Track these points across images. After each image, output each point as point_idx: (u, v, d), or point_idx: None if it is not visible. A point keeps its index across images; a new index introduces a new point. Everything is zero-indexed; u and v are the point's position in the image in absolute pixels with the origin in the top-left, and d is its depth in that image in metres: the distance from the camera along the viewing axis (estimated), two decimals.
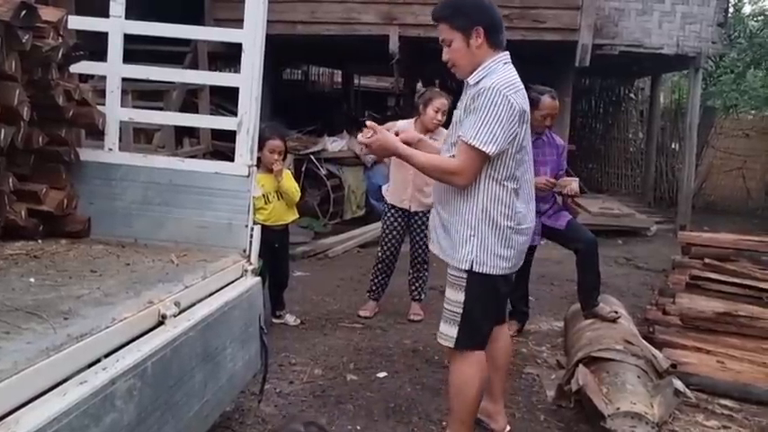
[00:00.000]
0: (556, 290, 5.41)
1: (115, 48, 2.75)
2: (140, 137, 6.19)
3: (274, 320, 4.17)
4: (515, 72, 2.36)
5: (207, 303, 2.22)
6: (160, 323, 1.92)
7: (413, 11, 6.96)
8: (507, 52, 2.40)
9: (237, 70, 2.73)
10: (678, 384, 2.90)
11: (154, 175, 2.71)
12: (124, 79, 2.85)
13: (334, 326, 4.25)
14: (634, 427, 2.62)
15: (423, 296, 4.50)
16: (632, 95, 12.09)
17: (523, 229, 2.44)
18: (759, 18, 13.08)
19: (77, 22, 2.70)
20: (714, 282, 4.24)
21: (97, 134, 2.82)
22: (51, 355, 1.49)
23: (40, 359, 1.45)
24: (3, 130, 2.21)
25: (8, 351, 1.45)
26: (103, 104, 2.78)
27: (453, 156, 2.37)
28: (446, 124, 3.28)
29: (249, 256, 2.65)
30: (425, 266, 4.42)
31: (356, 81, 14.91)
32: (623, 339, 3.29)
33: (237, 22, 2.70)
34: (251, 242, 2.66)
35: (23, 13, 2.16)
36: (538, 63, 7.19)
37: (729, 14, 9.25)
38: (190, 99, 6.96)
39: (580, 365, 3.03)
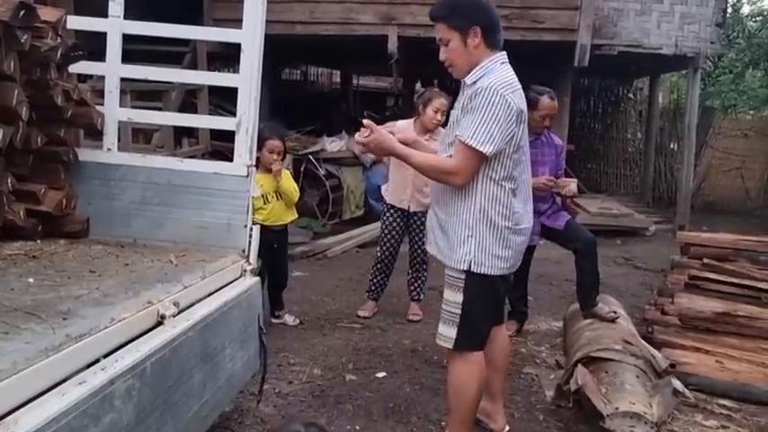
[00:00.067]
0: (555, 290, 5.41)
1: (114, 48, 2.75)
2: (139, 137, 6.19)
3: (273, 320, 4.17)
4: (513, 72, 2.36)
5: (206, 303, 2.22)
6: (159, 323, 1.92)
7: (411, 11, 6.96)
8: (504, 52, 2.40)
9: (236, 70, 2.73)
10: (677, 384, 2.90)
11: (153, 176, 2.71)
12: (123, 79, 2.85)
13: (333, 326, 4.25)
14: (633, 427, 2.62)
15: (422, 296, 4.50)
16: (631, 95, 12.10)
17: (521, 229, 2.44)
18: (757, 18, 13.10)
19: (76, 22, 2.70)
20: (713, 282, 4.24)
21: (96, 134, 2.82)
22: (50, 355, 1.48)
23: (39, 359, 1.45)
24: (1, 131, 2.21)
25: (7, 351, 1.44)
26: (102, 104, 2.78)
27: (450, 156, 2.37)
28: (445, 124, 3.29)
29: (248, 257, 2.64)
30: (424, 267, 4.42)
31: (355, 81, 14.91)
32: (622, 339, 3.29)
33: (236, 23, 2.70)
34: (250, 242, 2.66)
35: (22, 13, 2.16)
36: (537, 63, 7.19)
37: (728, 15, 9.28)
38: (189, 99, 6.95)
39: (579, 365, 3.04)
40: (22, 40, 2.19)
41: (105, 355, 1.67)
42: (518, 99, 2.30)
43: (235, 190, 2.66)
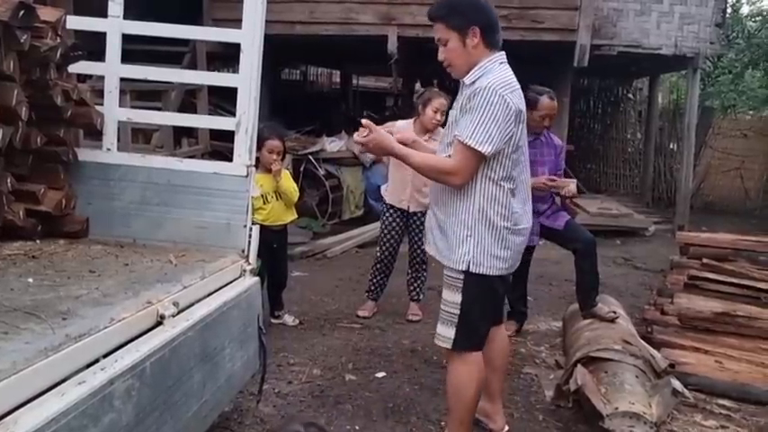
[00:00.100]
0: (554, 290, 5.42)
1: (113, 48, 2.75)
2: (138, 137, 6.18)
3: (273, 321, 4.17)
4: (511, 72, 2.36)
5: (205, 303, 2.22)
6: (159, 323, 1.92)
7: (411, 11, 6.97)
8: (503, 52, 2.40)
9: (236, 70, 2.73)
10: (676, 384, 2.91)
11: (152, 176, 2.71)
12: (122, 79, 2.85)
13: (333, 326, 4.25)
14: (632, 427, 2.62)
15: (421, 296, 4.50)
16: (630, 96, 12.11)
17: (520, 229, 2.44)
18: (757, 18, 13.11)
19: (75, 22, 2.70)
20: (712, 282, 4.24)
21: (95, 134, 2.82)
22: (50, 355, 1.49)
23: (39, 359, 1.45)
24: (1, 131, 2.21)
25: (6, 351, 1.44)
26: (102, 104, 2.78)
27: (449, 156, 2.37)
28: (444, 124, 3.29)
29: (248, 257, 2.65)
30: (424, 267, 4.42)
31: (355, 81, 14.92)
32: (622, 339, 3.29)
33: (236, 22, 2.70)
34: (249, 242, 2.66)
35: (22, 13, 2.16)
36: (536, 63, 7.19)
37: (727, 15, 9.28)
38: (188, 99, 6.95)
39: (578, 365, 3.04)
40: (22, 40, 2.19)
41: (105, 355, 1.67)
42: (517, 99, 2.30)
43: (234, 190, 2.66)
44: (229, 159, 2.75)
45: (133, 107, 4.78)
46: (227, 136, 2.96)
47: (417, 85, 11.52)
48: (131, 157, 2.84)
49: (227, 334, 2.32)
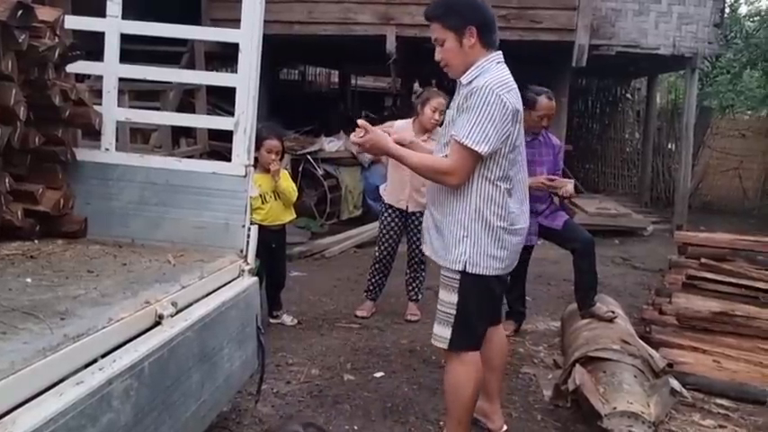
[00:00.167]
0: (553, 290, 5.42)
1: (112, 47, 2.75)
2: (137, 137, 6.18)
3: (271, 320, 4.17)
4: (508, 71, 2.36)
5: (204, 303, 2.22)
6: (157, 323, 1.92)
7: (409, 11, 6.97)
8: (500, 52, 2.39)
9: (234, 70, 2.73)
10: (674, 384, 2.91)
11: (151, 176, 2.71)
12: (121, 79, 2.85)
13: (332, 326, 4.25)
14: (631, 427, 2.62)
15: (420, 296, 4.50)
16: (629, 96, 12.12)
17: (517, 229, 2.44)
18: (755, 18, 13.14)
19: (74, 22, 2.70)
20: (710, 281, 4.25)
21: (94, 134, 2.82)
22: (48, 355, 1.48)
23: (37, 359, 1.45)
24: None
25: (5, 351, 1.44)
26: (100, 104, 2.78)
27: (446, 156, 2.37)
28: (442, 124, 3.29)
29: (246, 257, 2.64)
30: (422, 267, 4.42)
31: (353, 81, 14.92)
32: (620, 339, 3.30)
33: (234, 22, 2.70)
34: (248, 242, 2.66)
35: (20, 12, 2.16)
36: (535, 63, 7.20)
37: (726, 15, 9.28)
38: (187, 99, 6.95)
39: (577, 365, 3.04)
40: (20, 40, 2.19)
41: (103, 355, 1.67)
42: (513, 99, 2.29)
43: (233, 190, 2.66)
44: (228, 159, 2.75)
45: (131, 107, 4.77)
46: (226, 136, 2.96)
47: (416, 85, 11.53)
48: (130, 156, 2.84)
49: (226, 334, 2.32)
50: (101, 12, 2.74)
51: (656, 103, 11.05)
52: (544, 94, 3.87)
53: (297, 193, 4.15)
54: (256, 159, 3.31)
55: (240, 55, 2.66)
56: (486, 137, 2.23)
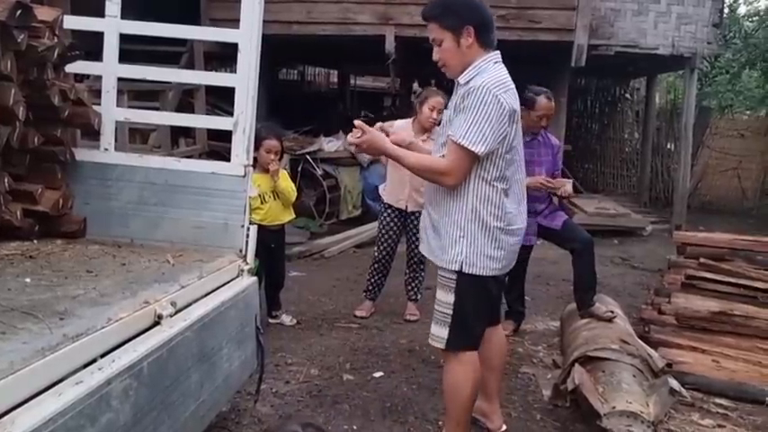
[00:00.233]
0: (552, 290, 5.42)
1: (111, 47, 2.75)
2: (136, 137, 6.18)
3: (270, 320, 4.17)
4: (506, 71, 2.35)
5: (203, 303, 2.22)
6: (156, 323, 1.92)
7: (409, 11, 6.96)
8: (498, 51, 2.39)
9: (233, 70, 2.73)
10: (673, 383, 2.92)
11: (150, 176, 2.71)
12: (120, 79, 2.85)
13: (331, 326, 4.25)
14: (630, 426, 2.63)
15: (419, 296, 4.50)
16: (628, 96, 12.12)
17: (514, 229, 2.43)
18: (754, 18, 13.16)
19: (73, 22, 2.70)
20: (709, 281, 4.25)
21: (93, 134, 2.82)
22: (47, 355, 1.48)
23: (36, 359, 1.45)
24: None
25: (4, 351, 1.44)
26: (99, 104, 2.78)
27: (443, 156, 2.37)
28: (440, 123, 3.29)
29: (245, 256, 2.64)
30: (422, 266, 4.42)
31: (352, 81, 14.91)
32: (619, 339, 3.30)
33: (233, 22, 2.70)
34: (247, 242, 2.66)
35: (19, 12, 2.16)
36: (534, 63, 7.20)
37: (724, 15, 9.27)
38: (186, 99, 6.95)
39: (576, 365, 3.04)
40: (19, 40, 2.19)
41: (102, 355, 1.67)
42: (510, 99, 2.29)
43: (232, 190, 2.66)
44: (227, 159, 2.75)
45: (131, 107, 4.77)
46: (225, 136, 2.96)
47: (415, 85, 11.53)
48: (129, 157, 2.84)
49: (225, 334, 2.32)
50: (100, 12, 2.74)
51: (655, 103, 11.06)
52: (543, 93, 3.87)
53: (296, 193, 4.15)
54: (255, 159, 3.32)
55: (239, 55, 2.66)
56: (482, 137, 2.23)
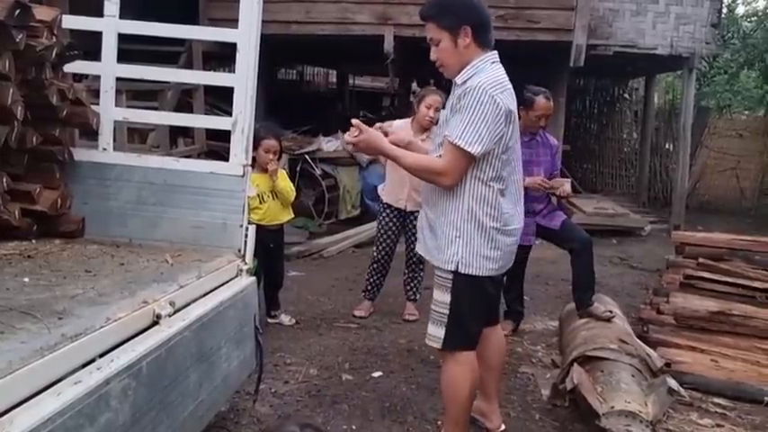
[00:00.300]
0: (551, 289, 5.42)
1: (109, 47, 2.75)
2: (134, 137, 6.17)
3: (269, 320, 4.17)
4: (503, 71, 2.35)
5: (202, 303, 2.22)
6: (155, 323, 1.92)
7: (407, 11, 6.96)
8: (495, 51, 2.38)
9: (232, 70, 2.73)
10: (672, 383, 2.92)
11: (148, 175, 2.70)
12: (118, 79, 2.84)
13: (330, 326, 4.25)
14: (628, 426, 2.63)
15: (418, 296, 4.50)
16: (626, 96, 12.13)
17: (510, 230, 2.43)
18: (752, 19, 13.17)
19: (71, 22, 2.69)
20: (708, 281, 4.25)
21: (91, 134, 2.81)
22: (45, 354, 1.48)
23: (35, 359, 1.45)
24: None
25: (2, 351, 1.44)
26: (97, 104, 2.78)
27: (440, 156, 2.36)
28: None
29: (244, 256, 2.64)
30: (421, 266, 4.42)
31: (351, 81, 14.91)
32: (618, 339, 3.30)
33: (232, 22, 2.70)
34: (246, 242, 2.66)
35: (17, 12, 2.16)
36: (532, 63, 7.20)
37: (723, 15, 9.29)
38: (184, 99, 6.95)
39: (575, 364, 3.04)
40: (18, 40, 2.19)
41: (101, 355, 1.66)
42: (507, 99, 2.28)
43: (231, 190, 2.66)
44: (226, 159, 2.75)
45: (129, 107, 4.76)
46: (224, 136, 2.95)
47: (414, 85, 11.53)
48: (127, 156, 2.84)
49: (224, 334, 2.32)
50: (98, 11, 2.73)
51: (653, 103, 11.06)
52: (542, 94, 3.88)
53: (294, 193, 4.15)
54: (254, 159, 3.31)
55: (238, 55, 2.65)
56: (478, 137, 2.22)
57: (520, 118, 2.96)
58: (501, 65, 2.37)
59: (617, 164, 11.85)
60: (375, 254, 4.44)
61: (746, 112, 12.58)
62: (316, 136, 8.11)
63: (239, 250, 2.65)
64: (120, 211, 2.70)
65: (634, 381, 2.94)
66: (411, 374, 3.52)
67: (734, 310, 3.89)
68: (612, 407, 2.69)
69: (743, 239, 4.75)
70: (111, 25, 2.73)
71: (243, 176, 2.67)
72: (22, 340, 1.52)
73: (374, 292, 4.52)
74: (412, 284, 4.49)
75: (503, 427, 2.89)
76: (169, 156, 4.65)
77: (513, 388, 3.42)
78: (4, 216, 2.37)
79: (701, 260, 4.52)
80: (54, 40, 2.40)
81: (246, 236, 2.66)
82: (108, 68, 2.77)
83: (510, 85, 2.33)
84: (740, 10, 14.88)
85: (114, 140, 2.86)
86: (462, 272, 2.37)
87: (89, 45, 2.78)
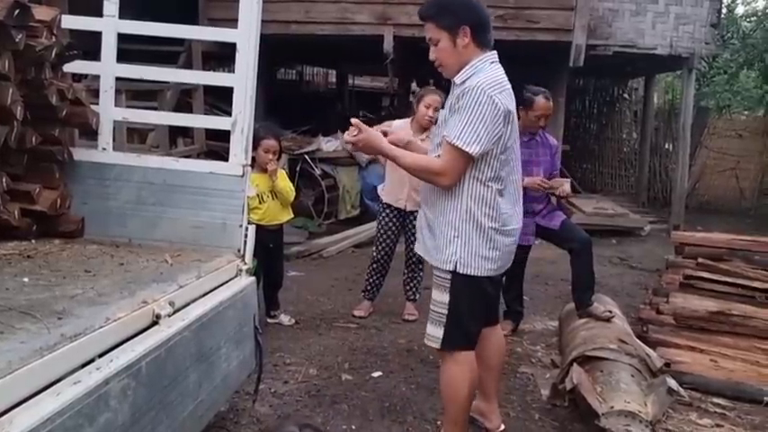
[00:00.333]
0: (550, 289, 5.43)
1: (109, 47, 2.75)
2: (134, 137, 6.17)
3: (269, 320, 4.17)
4: (502, 71, 2.35)
5: (201, 303, 2.21)
6: (154, 323, 1.92)
7: (407, 11, 6.96)
8: (495, 51, 2.38)
9: (231, 70, 2.73)
10: (671, 383, 2.92)
11: (148, 175, 2.70)
12: (118, 79, 2.84)
13: (329, 326, 4.25)
14: (628, 426, 2.63)
15: (417, 296, 4.50)
16: (626, 96, 12.14)
17: (509, 230, 2.42)
18: (752, 19, 13.17)
19: (71, 22, 2.69)
20: (707, 281, 4.25)
21: (91, 134, 2.81)
22: (45, 354, 1.48)
23: (34, 359, 1.45)
24: None
25: (2, 351, 1.44)
26: (97, 104, 2.77)
27: (439, 156, 2.36)
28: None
29: (244, 256, 2.64)
30: (420, 266, 4.42)
31: (350, 81, 14.90)
32: (617, 338, 3.30)
33: (232, 22, 2.70)
34: (245, 242, 2.66)
35: (17, 12, 2.16)
36: (532, 63, 7.21)
37: (722, 15, 9.29)
38: (184, 99, 6.95)
39: (574, 364, 3.04)
40: (17, 40, 2.19)
41: (100, 355, 1.66)
42: (506, 99, 2.28)
43: (230, 189, 2.66)
44: (225, 159, 2.74)
45: (129, 107, 4.76)
46: (223, 136, 2.95)
47: (413, 85, 11.54)
48: (127, 156, 2.83)
49: (223, 334, 2.32)
50: (98, 11, 2.73)
51: (653, 104, 11.07)
52: (541, 94, 3.88)
53: (294, 193, 4.15)
54: (254, 159, 3.31)
55: (237, 55, 2.65)
56: (477, 138, 2.22)
57: (519, 118, 2.96)
58: (500, 65, 2.37)
59: (616, 164, 11.86)
60: (375, 254, 4.44)
61: (746, 113, 12.59)
62: (315, 136, 8.11)
63: (239, 250, 2.65)
64: (120, 211, 2.70)
65: (633, 381, 2.94)
66: (410, 374, 3.52)
67: (733, 310, 3.89)
68: (612, 407, 2.69)
69: (742, 239, 4.76)
70: (110, 25, 2.73)
71: (242, 176, 2.67)
72: (21, 340, 1.51)
73: (374, 292, 4.53)
74: (411, 284, 4.49)
75: (502, 426, 2.89)
76: (169, 156, 4.65)
77: (513, 388, 3.42)
78: (3, 216, 2.37)
79: (700, 260, 4.52)
80: (53, 39, 2.40)
81: (246, 236, 2.66)
82: (107, 68, 2.77)
83: (509, 86, 2.33)
84: (740, 10, 14.90)
85: (114, 140, 2.86)
86: (460, 272, 2.36)
87: (88, 45, 2.78)
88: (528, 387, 3.45)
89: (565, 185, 3.91)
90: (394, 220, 4.34)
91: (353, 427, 2.92)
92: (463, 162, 2.29)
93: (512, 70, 2.39)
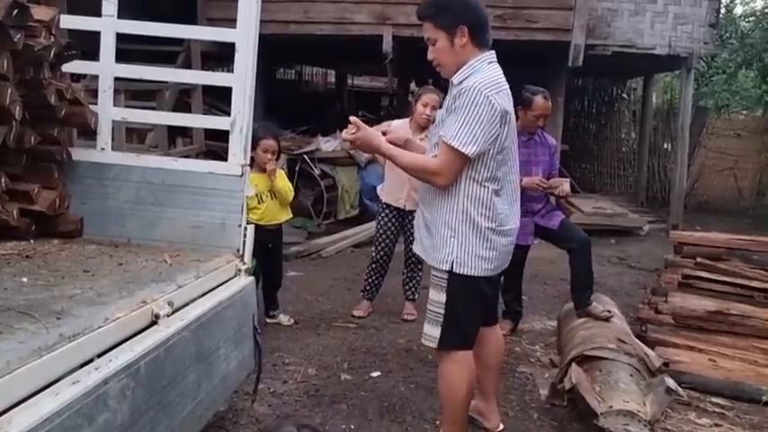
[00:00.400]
0: (549, 289, 5.43)
1: (107, 47, 2.74)
2: (133, 137, 6.17)
3: (268, 320, 4.17)
4: (500, 71, 2.35)
5: (200, 303, 2.21)
6: (153, 323, 1.91)
7: (406, 11, 6.96)
8: (493, 51, 2.38)
9: (230, 70, 2.73)
10: (670, 383, 2.92)
11: (147, 175, 2.70)
12: (117, 79, 2.84)
13: (328, 325, 4.25)
14: (627, 425, 2.63)
15: (416, 296, 4.50)
16: (625, 96, 12.15)
17: (506, 230, 2.42)
18: (750, 19, 13.15)
19: (69, 22, 2.69)
20: (706, 281, 4.26)
21: (90, 134, 2.82)
22: (44, 354, 1.48)
23: (33, 359, 1.45)
24: None
25: (1, 351, 1.44)
26: (96, 104, 2.77)
27: (436, 156, 2.37)
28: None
29: (242, 256, 2.64)
30: (419, 266, 4.42)
31: (349, 81, 14.91)
32: (616, 338, 3.30)
33: (231, 22, 2.70)
34: (244, 242, 2.66)
35: (15, 12, 2.15)
36: (531, 63, 7.22)
37: (721, 15, 9.30)
38: (183, 99, 6.94)
39: (573, 364, 3.05)
40: (16, 40, 2.19)
41: (99, 355, 1.66)
42: (503, 99, 2.28)
43: (229, 189, 2.66)
44: (224, 159, 2.74)
45: (127, 107, 4.76)
46: (222, 135, 2.95)
47: (412, 85, 11.54)
48: (126, 156, 2.83)
49: (222, 333, 2.32)
50: (96, 11, 2.73)
51: (651, 103, 11.07)
52: (540, 93, 3.88)
53: (293, 193, 4.15)
54: (253, 159, 3.31)
55: (236, 55, 2.65)
56: (473, 138, 2.22)
57: (518, 118, 2.95)
58: (498, 65, 2.36)
59: (615, 164, 11.87)
60: (374, 254, 4.44)
61: (744, 112, 12.58)
62: (314, 136, 8.10)
63: (238, 250, 2.64)
64: (119, 211, 2.70)
65: (632, 380, 2.95)
66: (410, 374, 3.52)
67: (732, 309, 3.90)
68: (611, 406, 2.70)
69: (741, 239, 4.76)
70: (109, 25, 2.73)
71: (241, 176, 2.67)
72: (20, 340, 1.51)
73: (373, 292, 4.53)
74: (410, 284, 4.49)
75: (501, 426, 2.89)
76: (167, 155, 4.64)
77: (512, 387, 3.42)
78: (2, 216, 2.37)
79: (699, 260, 4.53)
80: (52, 39, 2.40)
81: (245, 236, 2.66)
82: (106, 68, 2.77)
83: (506, 86, 2.33)
84: (738, 10, 14.89)
85: (112, 140, 2.85)
86: (457, 271, 2.36)
87: (87, 45, 2.77)
88: (527, 387, 3.46)
89: (564, 185, 3.92)
90: (393, 219, 4.35)
91: (352, 426, 2.92)
92: (459, 162, 2.29)
93: (510, 70, 2.39)
